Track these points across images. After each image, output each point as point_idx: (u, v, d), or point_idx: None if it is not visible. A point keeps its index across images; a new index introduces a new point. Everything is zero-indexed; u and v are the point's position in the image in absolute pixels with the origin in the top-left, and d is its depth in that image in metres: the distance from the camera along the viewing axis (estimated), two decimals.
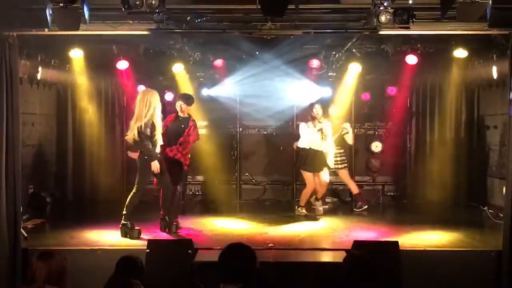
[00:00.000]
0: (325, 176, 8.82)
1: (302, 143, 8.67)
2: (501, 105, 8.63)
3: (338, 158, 9.17)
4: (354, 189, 9.35)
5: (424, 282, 6.07)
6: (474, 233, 7.50)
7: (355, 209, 9.20)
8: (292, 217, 8.74)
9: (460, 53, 8.30)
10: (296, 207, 8.95)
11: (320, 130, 8.58)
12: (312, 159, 8.66)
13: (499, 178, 8.97)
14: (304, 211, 8.80)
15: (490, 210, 8.68)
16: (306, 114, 8.79)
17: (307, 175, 8.74)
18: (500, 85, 8.72)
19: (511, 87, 6.26)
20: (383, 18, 5.90)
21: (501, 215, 7.53)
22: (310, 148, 8.61)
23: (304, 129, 8.63)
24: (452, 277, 6.16)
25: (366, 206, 9.21)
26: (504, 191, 6.54)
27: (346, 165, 9.36)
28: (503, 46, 7.18)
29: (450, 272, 6.20)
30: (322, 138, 8.62)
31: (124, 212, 7.08)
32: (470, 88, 10.06)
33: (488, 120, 9.69)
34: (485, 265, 6.32)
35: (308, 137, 8.60)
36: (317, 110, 8.54)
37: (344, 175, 9.40)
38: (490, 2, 5.59)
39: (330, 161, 8.82)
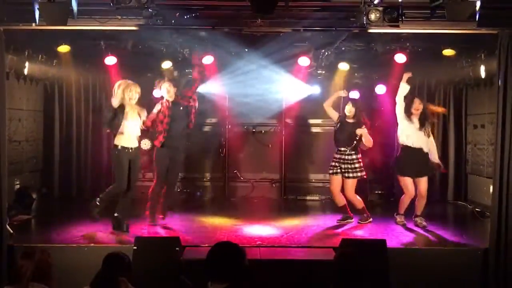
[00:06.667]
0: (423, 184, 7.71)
1: (401, 138, 7.73)
2: (489, 104, 8.69)
3: (351, 166, 7.85)
4: (359, 204, 8.01)
5: (411, 280, 6.10)
6: (460, 231, 7.55)
7: (359, 221, 7.98)
8: (280, 215, 8.73)
9: (449, 52, 8.33)
10: (395, 214, 7.97)
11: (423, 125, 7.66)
12: (411, 161, 7.66)
13: (486, 177, 9.03)
14: (403, 220, 7.85)
15: (476, 209, 8.74)
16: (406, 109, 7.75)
17: (406, 182, 7.71)
18: (487, 84, 8.79)
19: (499, 86, 6.30)
20: (372, 16, 5.92)
21: (488, 213, 7.59)
22: (410, 147, 7.66)
23: (402, 122, 7.72)
24: (439, 275, 6.20)
25: (371, 219, 8.01)
26: (491, 190, 6.59)
27: (359, 174, 7.90)
28: (491, 46, 7.21)
29: (437, 270, 6.23)
30: (425, 134, 7.67)
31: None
32: (458, 87, 10.12)
33: (476, 119, 9.75)
34: (471, 263, 6.37)
35: (407, 131, 7.68)
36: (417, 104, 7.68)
37: (351, 186, 7.93)
38: (479, 1, 5.62)
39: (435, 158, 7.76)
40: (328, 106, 8.14)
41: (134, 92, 7.17)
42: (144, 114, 7.37)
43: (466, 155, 10.11)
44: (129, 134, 7.18)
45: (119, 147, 7.15)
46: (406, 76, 7.78)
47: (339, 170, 7.91)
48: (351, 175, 7.86)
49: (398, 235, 7.21)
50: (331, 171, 7.99)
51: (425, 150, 7.66)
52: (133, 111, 7.23)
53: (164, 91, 7.66)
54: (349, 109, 7.93)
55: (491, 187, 6.57)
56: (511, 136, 6.24)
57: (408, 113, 7.68)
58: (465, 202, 9.79)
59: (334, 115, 8.13)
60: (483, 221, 8.05)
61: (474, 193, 9.75)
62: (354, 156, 7.87)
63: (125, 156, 7.16)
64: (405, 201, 7.83)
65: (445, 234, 7.35)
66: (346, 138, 7.88)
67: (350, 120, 7.96)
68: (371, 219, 8.02)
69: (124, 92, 7.13)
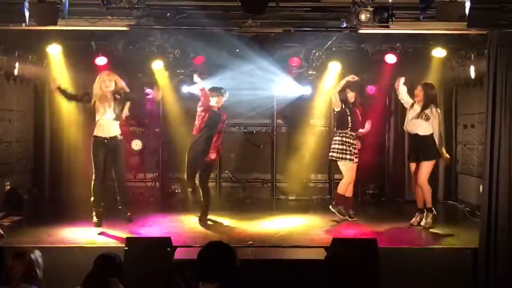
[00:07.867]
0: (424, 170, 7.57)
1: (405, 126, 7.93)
2: (478, 104, 8.74)
3: (354, 150, 8.02)
4: (351, 191, 8.25)
5: (402, 279, 6.11)
6: (451, 230, 7.58)
7: (349, 218, 8.11)
8: (271, 215, 8.74)
9: (439, 52, 8.39)
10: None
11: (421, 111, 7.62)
12: (412, 146, 7.86)
13: (476, 177, 9.08)
14: (416, 219, 7.75)
15: (467, 208, 8.78)
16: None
17: (410, 166, 7.87)
18: (477, 84, 8.83)
19: (489, 86, 6.34)
20: (362, 17, 5.95)
21: (478, 213, 7.63)
22: (409, 133, 7.85)
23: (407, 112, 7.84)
24: (430, 275, 6.22)
25: (349, 219, 8.10)
26: (481, 190, 6.63)
27: (356, 160, 8.06)
28: (481, 46, 7.26)
29: (427, 269, 6.26)
30: (422, 118, 7.61)
31: None
32: (448, 87, 10.16)
33: (466, 119, 9.80)
34: (461, 263, 6.40)
35: (408, 119, 7.79)
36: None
37: (353, 171, 8.09)
38: (469, 2, 5.65)
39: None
40: (335, 93, 8.12)
41: (107, 81, 7.27)
42: (122, 100, 7.38)
43: (456, 155, 10.15)
44: (101, 124, 7.28)
45: (96, 137, 7.29)
46: (399, 81, 7.84)
47: (348, 155, 7.97)
48: (356, 159, 8.02)
49: (389, 235, 7.23)
50: (348, 157, 7.96)
51: (421, 133, 7.62)
52: (104, 101, 7.27)
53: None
54: (351, 95, 8.10)
55: (481, 187, 6.61)
56: (500, 135, 6.28)
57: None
58: (455, 202, 9.83)
59: (338, 103, 8.12)
60: (473, 220, 8.09)
61: (464, 193, 9.80)
62: (355, 141, 8.07)
63: (98, 146, 7.25)
64: (414, 191, 7.87)
65: (435, 233, 7.39)
66: (358, 122, 8.10)
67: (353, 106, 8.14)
68: (349, 218, 8.07)
69: (99, 87, 7.25)
